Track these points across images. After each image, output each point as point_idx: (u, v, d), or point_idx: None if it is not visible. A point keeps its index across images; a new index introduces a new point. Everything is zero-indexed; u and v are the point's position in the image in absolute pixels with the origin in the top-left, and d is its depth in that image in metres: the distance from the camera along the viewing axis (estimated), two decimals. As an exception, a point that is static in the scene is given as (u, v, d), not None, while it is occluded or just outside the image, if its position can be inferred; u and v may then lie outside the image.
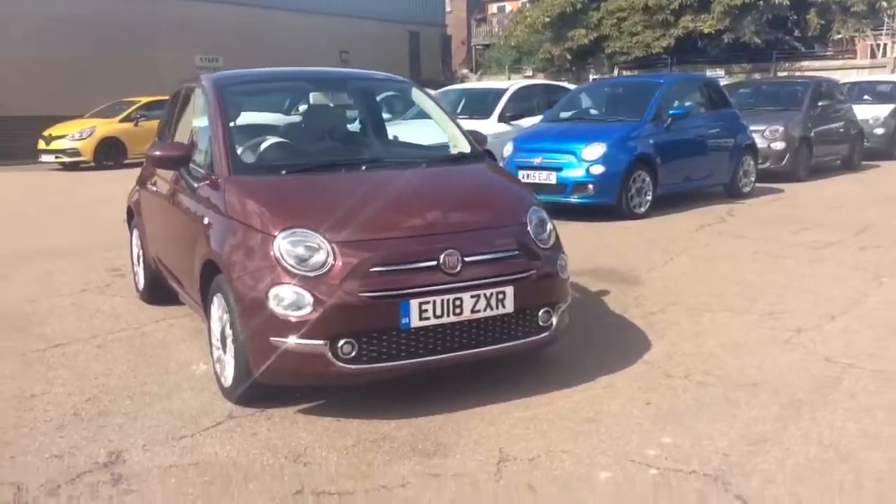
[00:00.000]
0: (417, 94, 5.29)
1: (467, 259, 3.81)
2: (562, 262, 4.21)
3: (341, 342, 3.61)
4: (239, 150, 4.51)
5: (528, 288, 3.97)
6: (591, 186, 9.33)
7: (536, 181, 9.59)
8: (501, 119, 11.54)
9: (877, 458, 3.33)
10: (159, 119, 7.09)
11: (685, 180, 10.55)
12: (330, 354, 3.61)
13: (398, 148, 5.07)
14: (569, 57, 27.98)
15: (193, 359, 4.73)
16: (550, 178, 9.50)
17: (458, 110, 12.38)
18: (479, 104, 12.08)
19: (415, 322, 3.67)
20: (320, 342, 3.59)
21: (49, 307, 6.06)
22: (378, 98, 6.02)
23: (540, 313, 4.05)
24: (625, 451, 3.42)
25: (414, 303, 3.66)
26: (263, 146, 4.64)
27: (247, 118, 5.21)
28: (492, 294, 3.83)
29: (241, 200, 4.03)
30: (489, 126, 11.39)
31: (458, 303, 3.75)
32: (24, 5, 21.73)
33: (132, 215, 6.23)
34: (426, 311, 3.68)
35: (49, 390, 4.31)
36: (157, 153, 4.54)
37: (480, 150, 4.91)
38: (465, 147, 4.91)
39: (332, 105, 5.11)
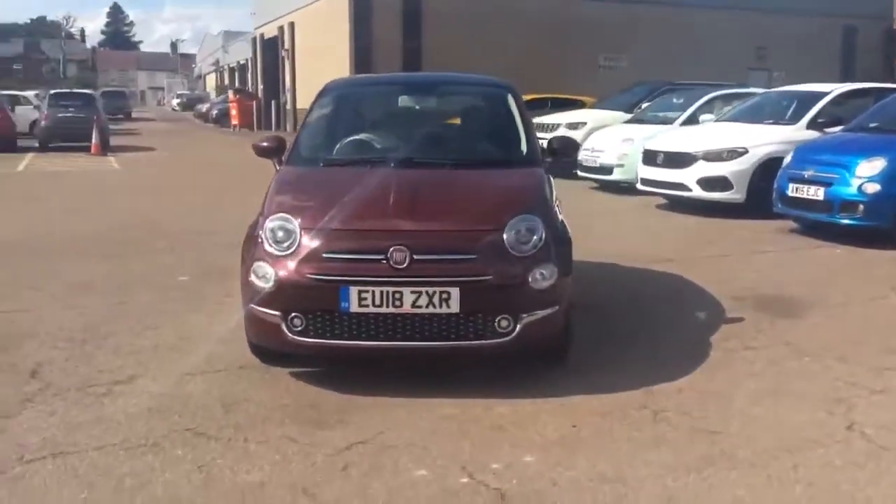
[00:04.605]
0: (511, 100, 5.42)
1: (417, 257, 4.05)
2: (543, 272, 4.17)
3: (291, 315, 4.15)
4: (326, 145, 5.26)
5: (480, 292, 4.07)
6: (861, 207, 8.13)
7: (804, 196, 8.67)
8: (812, 125, 10.36)
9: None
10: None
11: None
12: (283, 325, 4.17)
13: (452, 149, 5.20)
14: None
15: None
16: (818, 193, 8.48)
17: (787, 115, 11.38)
18: (801, 108, 10.98)
19: (354, 307, 4.06)
20: (276, 313, 4.18)
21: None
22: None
23: (498, 319, 4.11)
24: (475, 460, 3.46)
25: (354, 290, 4.04)
26: (343, 142, 5.26)
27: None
28: (435, 293, 4.03)
29: (271, 186, 4.74)
30: (793, 133, 10.39)
31: (398, 296, 4.03)
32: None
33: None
34: (365, 298, 4.04)
35: (156, 324, 5.47)
36: (258, 144, 5.39)
37: (537, 156, 4.99)
38: (523, 152, 5.01)
39: (417, 107, 5.53)
